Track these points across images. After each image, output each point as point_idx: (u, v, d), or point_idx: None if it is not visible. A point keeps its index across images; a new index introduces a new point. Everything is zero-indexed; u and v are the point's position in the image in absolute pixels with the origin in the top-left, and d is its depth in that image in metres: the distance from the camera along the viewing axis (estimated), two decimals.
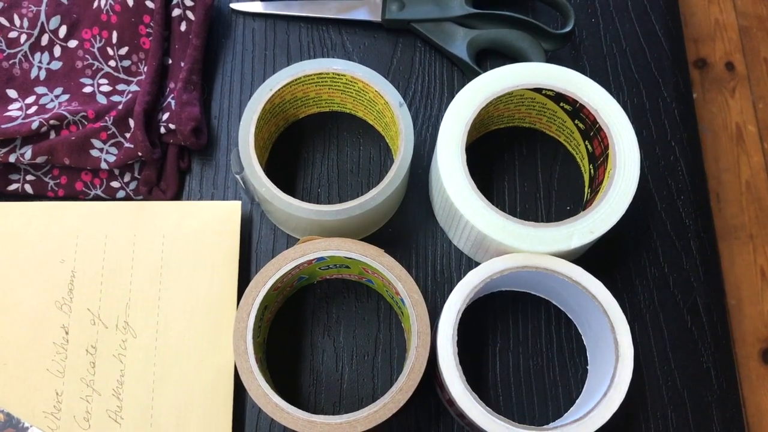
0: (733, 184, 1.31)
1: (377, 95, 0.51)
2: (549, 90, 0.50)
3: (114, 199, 0.53)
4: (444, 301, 0.46)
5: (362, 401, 0.50)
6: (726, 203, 1.29)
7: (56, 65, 0.55)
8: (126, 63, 0.56)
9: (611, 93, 0.56)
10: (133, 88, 0.55)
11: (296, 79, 0.51)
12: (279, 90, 0.50)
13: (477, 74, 0.54)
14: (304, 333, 0.51)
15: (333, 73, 0.51)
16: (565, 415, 0.49)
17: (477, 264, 0.52)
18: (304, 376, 0.50)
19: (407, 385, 0.44)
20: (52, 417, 0.47)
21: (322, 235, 0.49)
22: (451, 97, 0.57)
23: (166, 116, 0.54)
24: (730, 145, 1.34)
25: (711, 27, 1.42)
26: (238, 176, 0.49)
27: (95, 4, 0.56)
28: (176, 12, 0.56)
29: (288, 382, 0.50)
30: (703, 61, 1.39)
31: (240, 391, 0.49)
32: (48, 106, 0.54)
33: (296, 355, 0.50)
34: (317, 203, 0.53)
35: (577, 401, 0.50)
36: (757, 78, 1.38)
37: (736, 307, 1.22)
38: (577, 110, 0.51)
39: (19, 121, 0.52)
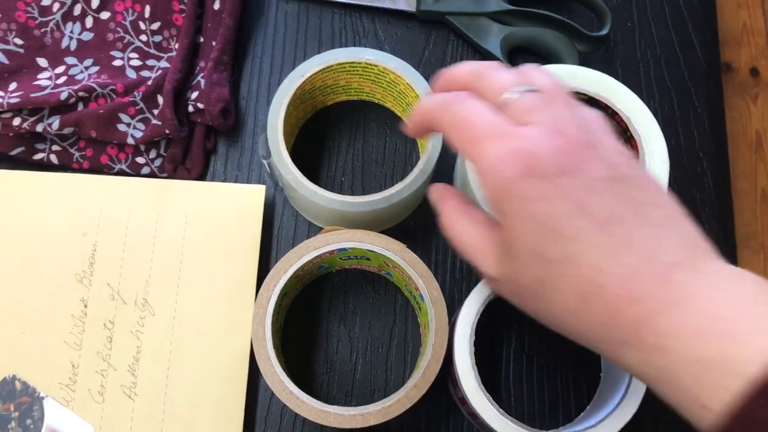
0: (748, 192, 1.30)
1: (408, 87, 0.50)
2: (582, 94, 0.50)
3: (138, 174, 0.53)
4: (462, 298, 0.46)
5: (374, 393, 0.50)
6: (739, 211, 1.28)
7: (87, 36, 0.55)
8: (157, 38, 0.55)
9: (642, 100, 0.55)
10: (164, 64, 0.55)
11: (328, 67, 0.50)
12: (310, 76, 0.50)
13: None
14: (320, 321, 0.51)
15: (365, 63, 0.51)
16: (576, 419, 0.49)
17: None
18: (317, 364, 0.50)
19: (422, 382, 0.44)
20: (68, 389, 0.47)
21: (343, 224, 0.49)
22: None
23: (195, 95, 0.53)
24: (749, 153, 1.33)
25: (738, 31, 1.40)
26: (264, 161, 0.48)
27: None
28: None
29: (301, 369, 0.50)
30: (727, 65, 1.37)
31: (253, 375, 0.49)
32: (77, 77, 0.53)
33: (311, 343, 0.51)
34: (340, 192, 0.53)
35: (588, 407, 0.50)
36: None
37: None
38: (608, 117, 0.50)
39: (48, 90, 0.52)
